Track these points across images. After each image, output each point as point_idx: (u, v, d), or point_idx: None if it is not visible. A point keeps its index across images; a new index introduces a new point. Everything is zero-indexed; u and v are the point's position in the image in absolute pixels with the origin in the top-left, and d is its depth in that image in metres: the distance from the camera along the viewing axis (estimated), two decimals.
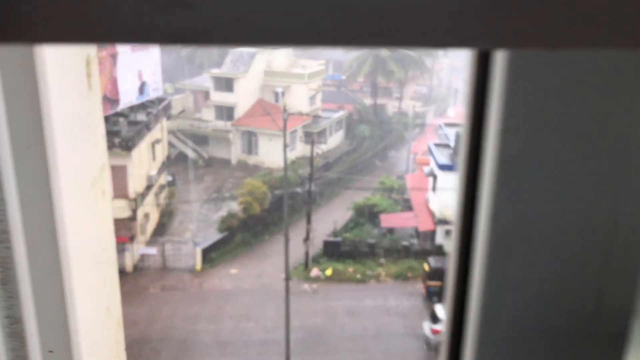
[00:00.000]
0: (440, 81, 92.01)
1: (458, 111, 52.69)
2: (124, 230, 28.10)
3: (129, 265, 28.79)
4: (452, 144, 31.19)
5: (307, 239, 29.14)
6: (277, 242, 32.38)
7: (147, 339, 23.20)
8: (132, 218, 28.80)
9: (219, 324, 24.33)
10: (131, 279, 28.07)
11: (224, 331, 23.83)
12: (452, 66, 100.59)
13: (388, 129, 53.60)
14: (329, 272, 28.64)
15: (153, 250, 29.40)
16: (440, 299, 25.10)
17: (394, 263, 30.06)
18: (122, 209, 28.36)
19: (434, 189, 31.66)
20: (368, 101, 60.19)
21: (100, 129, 1.51)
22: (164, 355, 22.32)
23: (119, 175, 28.44)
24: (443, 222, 30.54)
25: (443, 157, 30.62)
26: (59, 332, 1.21)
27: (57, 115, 1.14)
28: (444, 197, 30.24)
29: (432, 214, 31.83)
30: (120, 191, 28.44)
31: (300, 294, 26.47)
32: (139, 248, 29.29)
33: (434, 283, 25.18)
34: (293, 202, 34.17)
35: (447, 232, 30.58)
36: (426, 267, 25.71)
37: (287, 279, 21.47)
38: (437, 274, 25.06)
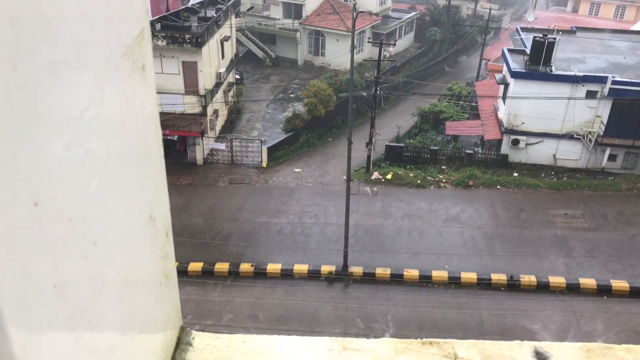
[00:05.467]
0: None
1: (537, 15, 49.21)
2: (195, 125, 29.33)
3: (199, 158, 30.32)
4: (528, 50, 29.64)
5: (369, 143, 29.38)
6: (340, 144, 32.90)
7: (215, 228, 24.96)
8: (202, 114, 29.85)
9: (283, 218, 25.69)
10: (201, 172, 29.70)
11: (287, 224, 25.19)
12: None
13: (460, 33, 51.03)
14: (389, 176, 29.07)
15: (222, 146, 30.61)
16: None
17: (455, 171, 30.03)
18: (193, 105, 29.39)
19: (504, 97, 30.64)
20: (441, 2, 57.07)
21: None
22: (231, 244, 23.97)
23: (189, 71, 29.17)
24: (510, 131, 29.84)
25: (517, 64, 29.30)
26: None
27: None
28: (514, 105, 29.30)
29: (499, 123, 31.07)
30: (191, 87, 29.31)
31: (360, 195, 27.27)
32: (208, 142, 30.54)
33: None
34: (358, 106, 34.11)
35: (514, 142, 29.96)
36: None
37: (349, 180, 22.03)
38: None
